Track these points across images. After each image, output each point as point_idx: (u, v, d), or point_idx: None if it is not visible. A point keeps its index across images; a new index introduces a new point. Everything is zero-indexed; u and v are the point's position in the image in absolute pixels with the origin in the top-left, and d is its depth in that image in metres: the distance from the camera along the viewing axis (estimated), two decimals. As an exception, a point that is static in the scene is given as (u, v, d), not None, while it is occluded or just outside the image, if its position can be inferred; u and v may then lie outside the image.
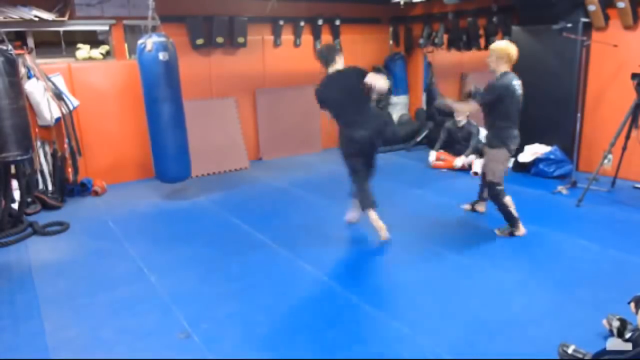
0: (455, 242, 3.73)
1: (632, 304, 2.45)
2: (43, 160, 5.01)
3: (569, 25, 5.13)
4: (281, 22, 6.51)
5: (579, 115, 5.24)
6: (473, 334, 2.58)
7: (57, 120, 4.91)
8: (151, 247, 3.83)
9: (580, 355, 2.24)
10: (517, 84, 3.65)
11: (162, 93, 4.59)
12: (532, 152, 5.51)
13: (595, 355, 2.18)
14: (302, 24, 6.69)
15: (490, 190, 3.81)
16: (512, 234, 3.79)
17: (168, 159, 4.78)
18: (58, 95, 4.90)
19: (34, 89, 4.75)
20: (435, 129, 6.91)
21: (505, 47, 3.67)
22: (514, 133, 3.72)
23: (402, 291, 3.08)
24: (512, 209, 3.75)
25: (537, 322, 2.66)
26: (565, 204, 4.53)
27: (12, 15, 4.76)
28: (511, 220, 3.78)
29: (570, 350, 2.26)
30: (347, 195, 4.09)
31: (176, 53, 4.68)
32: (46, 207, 4.76)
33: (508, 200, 3.75)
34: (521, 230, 3.79)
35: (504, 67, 3.67)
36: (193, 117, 5.67)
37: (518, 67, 5.88)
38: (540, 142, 5.52)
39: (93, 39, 5.63)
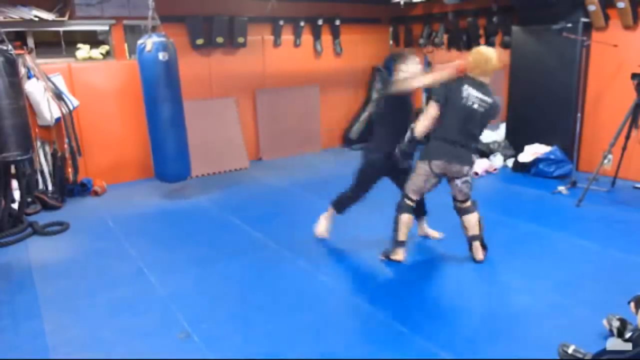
0: (454, 242, 3.72)
1: (632, 304, 2.45)
2: (43, 160, 5.01)
3: (569, 25, 5.13)
4: (281, 22, 6.51)
5: (579, 115, 5.24)
6: (473, 333, 2.58)
7: (57, 120, 4.91)
8: (151, 247, 3.84)
9: (580, 355, 2.23)
10: (472, 94, 3.07)
11: (161, 93, 4.60)
12: (532, 152, 5.51)
13: (595, 355, 2.18)
14: (302, 24, 6.69)
15: (400, 199, 3.37)
16: (388, 257, 3.37)
17: (167, 158, 4.78)
18: (58, 95, 4.90)
19: (34, 89, 4.75)
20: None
21: (484, 53, 3.16)
22: (447, 150, 3.14)
23: (402, 291, 3.08)
24: (403, 231, 3.29)
25: (537, 322, 2.66)
26: (565, 204, 4.53)
27: (12, 15, 4.76)
28: (393, 240, 3.33)
29: (570, 350, 2.26)
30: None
31: (176, 53, 4.68)
32: (46, 207, 4.76)
33: (405, 219, 3.29)
34: (399, 255, 3.33)
35: (477, 75, 3.15)
36: (193, 117, 5.67)
37: (518, 67, 5.97)
38: (540, 142, 5.53)
39: (93, 39, 5.63)
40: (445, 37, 7.00)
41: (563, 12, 5.24)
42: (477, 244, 3.35)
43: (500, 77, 7.07)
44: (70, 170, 5.05)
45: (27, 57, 4.78)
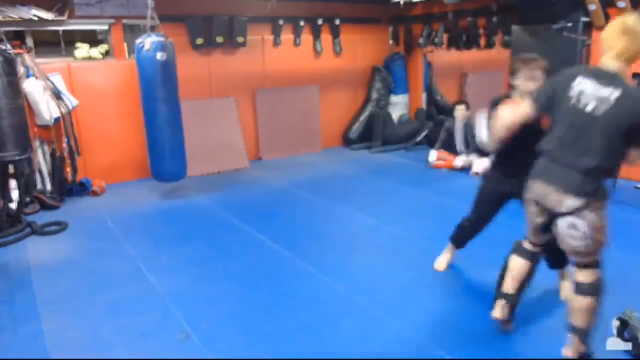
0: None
1: None
2: (42, 160, 5.00)
3: (570, 24, 5.12)
4: (281, 22, 6.50)
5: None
6: (473, 333, 2.58)
7: (57, 120, 4.90)
8: (151, 247, 3.83)
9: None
10: (588, 91, 2.02)
11: (158, 93, 4.60)
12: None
13: None
14: (302, 23, 6.68)
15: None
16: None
17: (164, 158, 4.78)
18: (57, 95, 4.89)
19: (33, 88, 4.74)
20: (435, 128, 6.91)
21: (627, 25, 2.01)
22: (545, 167, 2.18)
23: (401, 291, 3.07)
24: (507, 280, 2.46)
25: (537, 322, 2.65)
26: (566, 204, 4.52)
27: (11, 14, 4.75)
28: (496, 288, 2.56)
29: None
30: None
31: (175, 53, 4.67)
32: (45, 207, 4.75)
33: (514, 264, 2.43)
34: (496, 310, 2.48)
35: (606, 59, 2.05)
36: (193, 117, 5.67)
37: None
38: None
39: (92, 39, 5.62)
40: (445, 37, 7.00)
41: (563, 11, 5.23)
42: (574, 338, 2.24)
43: (501, 77, 7.09)
44: (69, 170, 5.04)
45: (27, 57, 4.77)
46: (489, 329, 2.61)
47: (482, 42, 6.57)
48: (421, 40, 7.22)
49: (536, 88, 2.47)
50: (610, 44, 2.02)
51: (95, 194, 5.20)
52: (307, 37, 6.86)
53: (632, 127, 1.96)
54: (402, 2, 6.49)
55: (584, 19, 5.16)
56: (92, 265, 3.53)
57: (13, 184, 4.34)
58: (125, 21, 5.52)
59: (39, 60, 4.98)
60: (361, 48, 7.36)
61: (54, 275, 3.37)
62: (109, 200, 5.06)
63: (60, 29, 5.26)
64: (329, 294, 3.04)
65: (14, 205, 4.32)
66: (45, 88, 4.79)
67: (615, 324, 2.40)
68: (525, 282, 2.41)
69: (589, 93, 2.01)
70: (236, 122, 6.36)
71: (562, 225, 2.11)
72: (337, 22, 6.95)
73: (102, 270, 3.43)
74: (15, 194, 4.38)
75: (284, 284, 3.18)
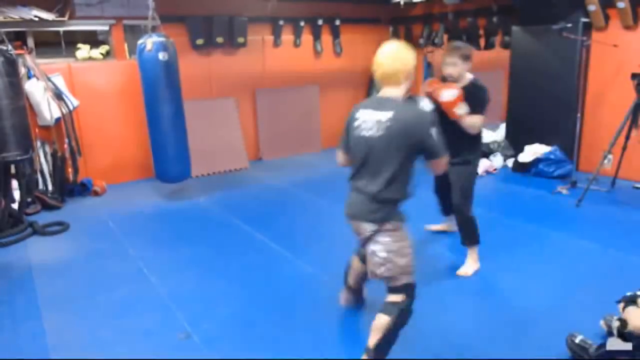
0: (453, 242, 3.72)
1: (621, 305, 2.45)
2: (43, 160, 5.01)
3: (569, 25, 5.12)
4: (281, 22, 6.51)
5: (579, 115, 5.24)
6: (472, 334, 2.58)
7: (57, 120, 4.92)
8: (151, 247, 3.83)
9: (586, 346, 2.28)
10: (367, 118, 2.14)
11: (161, 93, 4.60)
12: (532, 152, 5.51)
13: (599, 355, 2.20)
14: (302, 24, 6.69)
15: None
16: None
17: (168, 159, 4.79)
18: (58, 95, 4.90)
19: (34, 89, 4.75)
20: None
21: (377, 56, 2.19)
22: (350, 200, 2.29)
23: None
24: (350, 272, 2.74)
25: (537, 322, 2.66)
26: (565, 204, 4.53)
27: (12, 15, 4.76)
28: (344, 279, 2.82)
29: (577, 340, 2.32)
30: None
31: (176, 53, 4.68)
32: (46, 207, 4.76)
33: (352, 262, 2.73)
34: (341, 299, 2.85)
35: (382, 87, 2.23)
36: (193, 117, 5.67)
37: (518, 67, 5.97)
38: (540, 142, 5.53)
39: (93, 39, 5.63)
40: (445, 37, 7.01)
41: (563, 12, 5.24)
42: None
43: (501, 77, 7.06)
44: (70, 170, 5.05)
45: (27, 57, 4.79)
46: (492, 331, 2.62)
47: (482, 42, 6.57)
48: (421, 41, 7.23)
49: (455, 73, 3.07)
50: (375, 68, 2.17)
51: (96, 194, 5.22)
52: (307, 38, 6.87)
53: (410, 145, 2.07)
54: (402, 2, 6.49)
55: (584, 20, 5.17)
56: (93, 265, 3.54)
57: (14, 184, 4.35)
58: (125, 21, 5.53)
59: (39, 61, 5.00)
60: (361, 48, 7.36)
61: (55, 275, 3.38)
62: (110, 201, 5.07)
63: (61, 29, 5.27)
64: (329, 294, 3.04)
65: (15, 205, 4.33)
66: (46, 88, 4.81)
67: (615, 324, 2.41)
68: (364, 277, 2.62)
69: (369, 120, 2.12)
70: (236, 122, 6.36)
71: (370, 250, 2.21)
72: (337, 22, 6.97)
73: (102, 270, 3.44)
74: (16, 194, 4.40)
75: (284, 284, 3.19)
